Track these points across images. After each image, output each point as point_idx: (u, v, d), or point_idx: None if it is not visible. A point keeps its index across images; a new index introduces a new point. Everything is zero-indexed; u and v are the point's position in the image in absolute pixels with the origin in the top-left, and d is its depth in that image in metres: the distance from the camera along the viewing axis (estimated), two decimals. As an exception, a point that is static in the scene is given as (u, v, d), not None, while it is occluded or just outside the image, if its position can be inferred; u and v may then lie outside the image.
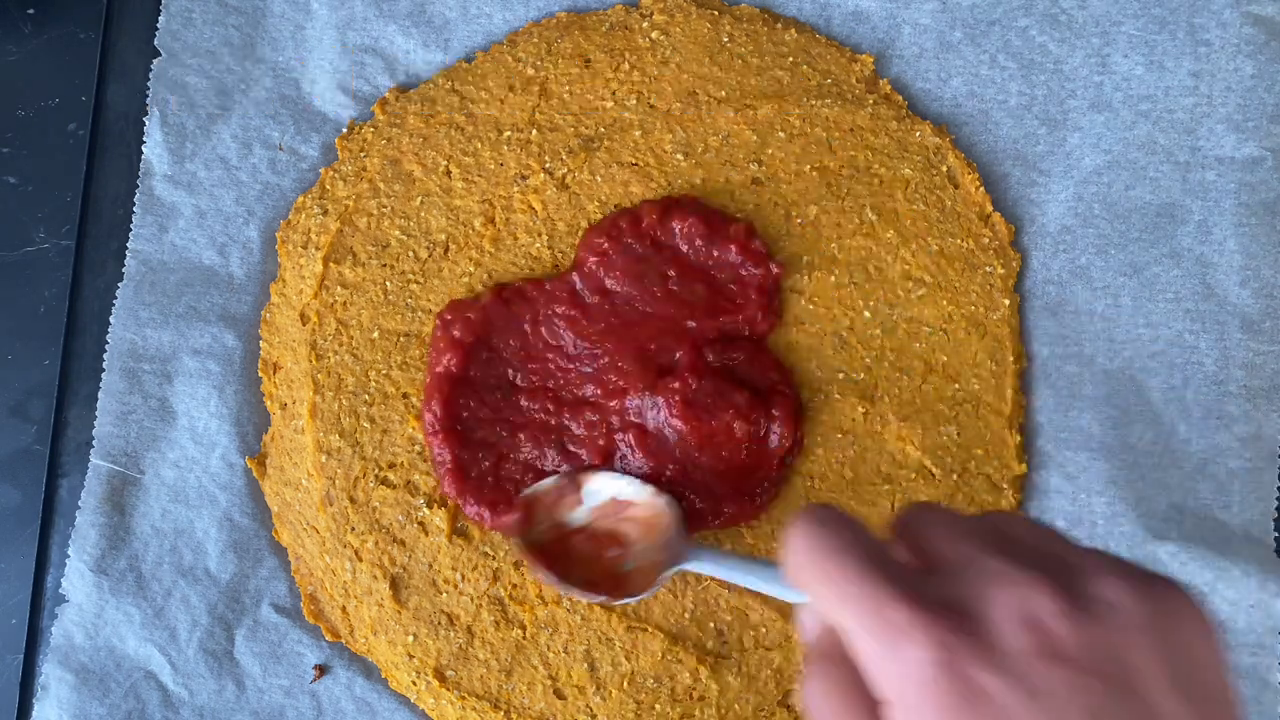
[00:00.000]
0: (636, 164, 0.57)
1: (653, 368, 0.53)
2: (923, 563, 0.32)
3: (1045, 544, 0.31)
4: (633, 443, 0.52)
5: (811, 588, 0.31)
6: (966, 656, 0.27)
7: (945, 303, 0.55)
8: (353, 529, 0.54)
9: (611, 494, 0.51)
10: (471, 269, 0.57)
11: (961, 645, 0.28)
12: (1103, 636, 0.28)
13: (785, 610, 0.52)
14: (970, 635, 0.28)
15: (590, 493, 0.51)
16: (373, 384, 0.56)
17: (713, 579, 0.52)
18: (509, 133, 0.59)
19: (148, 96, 0.60)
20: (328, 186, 0.59)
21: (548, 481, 0.52)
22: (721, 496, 0.52)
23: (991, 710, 0.27)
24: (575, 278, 0.55)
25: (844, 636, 0.30)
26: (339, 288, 0.57)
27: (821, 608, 0.31)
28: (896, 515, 0.34)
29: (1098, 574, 0.29)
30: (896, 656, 0.28)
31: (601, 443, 0.53)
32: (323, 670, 0.55)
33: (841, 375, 0.55)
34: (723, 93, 0.58)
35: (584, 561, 0.50)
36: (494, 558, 0.53)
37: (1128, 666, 0.28)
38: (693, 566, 0.48)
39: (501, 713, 0.53)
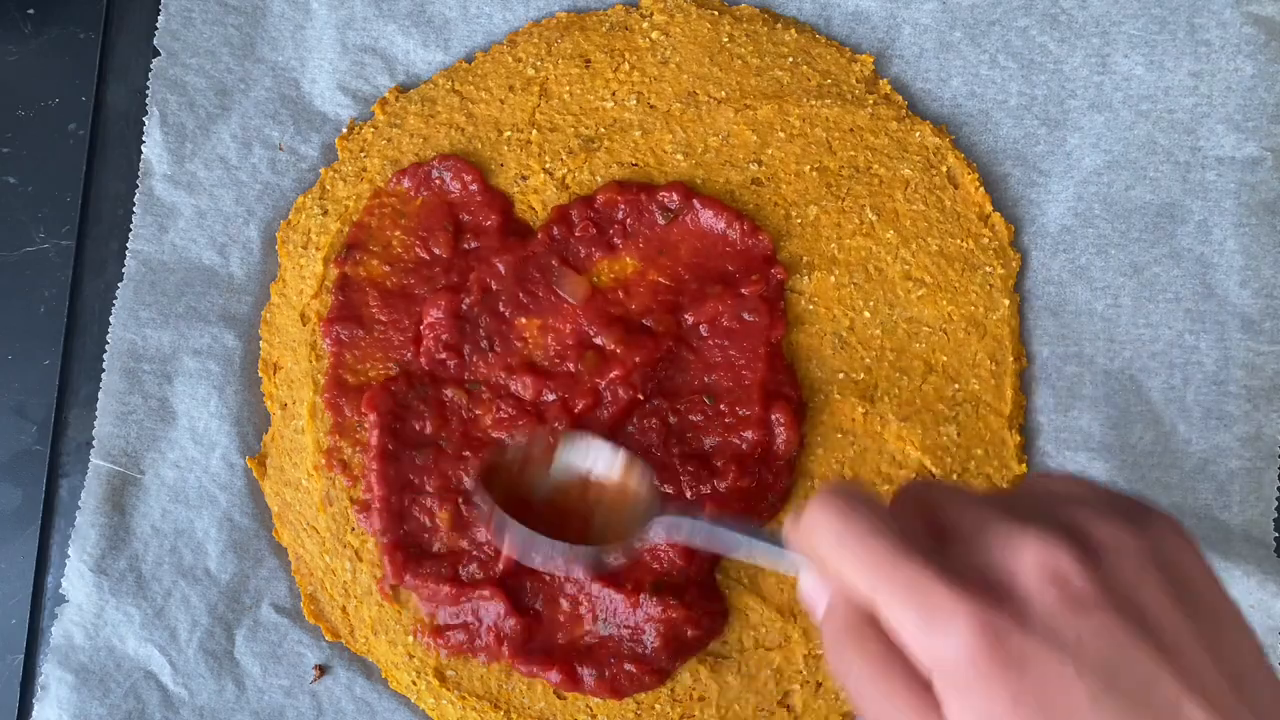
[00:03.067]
0: (636, 164, 0.57)
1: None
2: (935, 533, 0.33)
3: (1042, 499, 0.33)
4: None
5: (845, 566, 0.32)
6: (1004, 625, 0.29)
7: (945, 303, 0.55)
8: (352, 529, 0.54)
9: (581, 473, 0.48)
10: (471, 269, 0.57)
11: (998, 616, 0.29)
12: (1114, 578, 0.30)
13: (785, 610, 0.52)
14: (1004, 603, 0.30)
15: (561, 467, 0.49)
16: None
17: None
18: (509, 133, 0.59)
19: (148, 96, 0.60)
20: (328, 186, 0.59)
21: (518, 440, 0.49)
22: (732, 512, 0.52)
23: (1034, 670, 0.29)
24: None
25: (878, 611, 0.31)
26: (339, 288, 0.57)
27: (855, 584, 0.32)
28: (901, 490, 0.36)
29: (1096, 520, 0.32)
30: (939, 632, 0.30)
31: None
32: (323, 670, 0.55)
33: (841, 375, 0.55)
34: (723, 93, 0.58)
35: (545, 517, 0.48)
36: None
37: (1139, 599, 0.30)
38: (668, 535, 0.46)
39: (501, 713, 0.53)
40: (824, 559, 0.33)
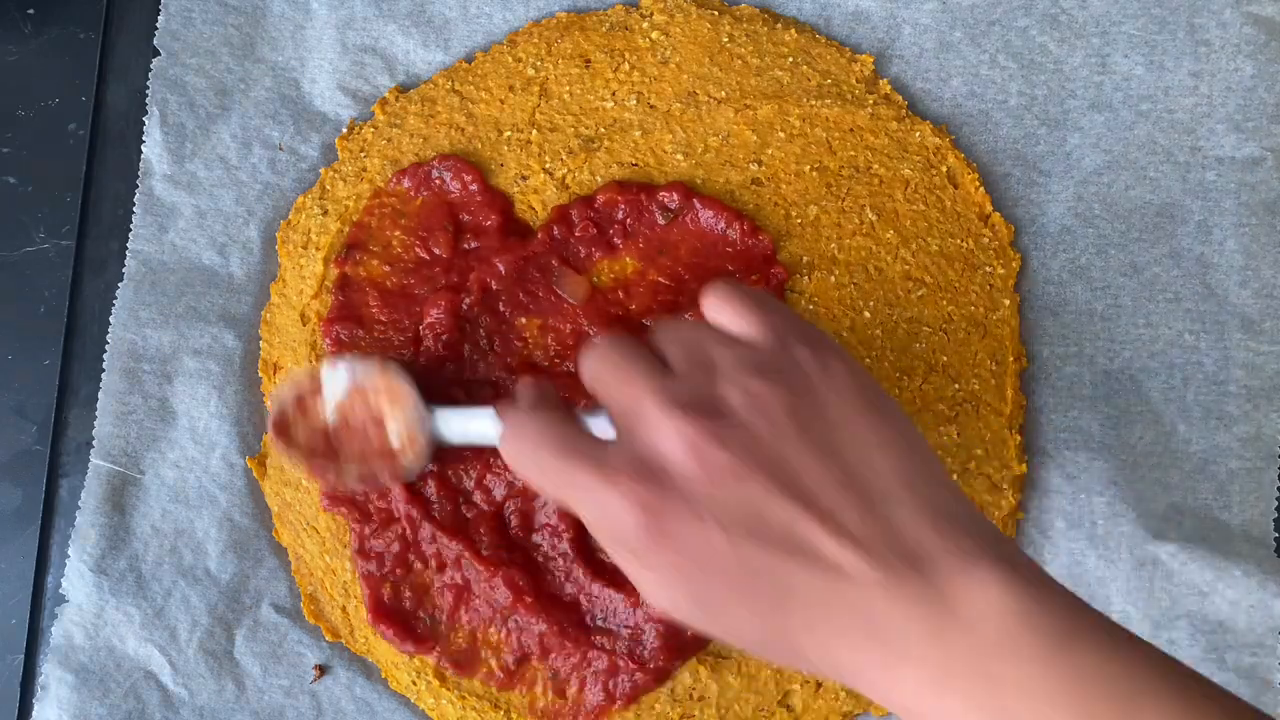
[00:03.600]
0: (636, 164, 0.58)
1: None
2: (612, 410, 0.39)
3: (695, 368, 0.37)
4: None
5: (530, 481, 0.39)
6: (655, 504, 0.34)
7: (945, 303, 0.55)
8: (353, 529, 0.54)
9: (347, 384, 0.51)
10: (471, 269, 0.57)
11: (649, 497, 0.35)
12: (747, 439, 0.35)
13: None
14: (653, 485, 0.35)
15: (330, 391, 0.51)
16: (373, 384, 0.56)
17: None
18: (509, 133, 0.59)
19: (148, 96, 0.60)
20: (328, 186, 0.59)
21: (284, 393, 0.51)
22: None
23: (684, 537, 0.34)
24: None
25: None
26: (339, 288, 0.57)
27: (545, 490, 0.39)
28: (585, 367, 0.40)
29: (734, 382, 0.36)
30: (612, 522, 0.35)
31: None
32: (323, 670, 0.55)
33: (841, 375, 0.55)
34: (723, 93, 0.58)
35: (357, 451, 0.51)
36: (494, 558, 0.53)
37: (767, 453, 0.35)
38: (442, 430, 0.49)
39: (501, 713, 0.53)
40: (515, 469, 0.40)
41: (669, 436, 0.35)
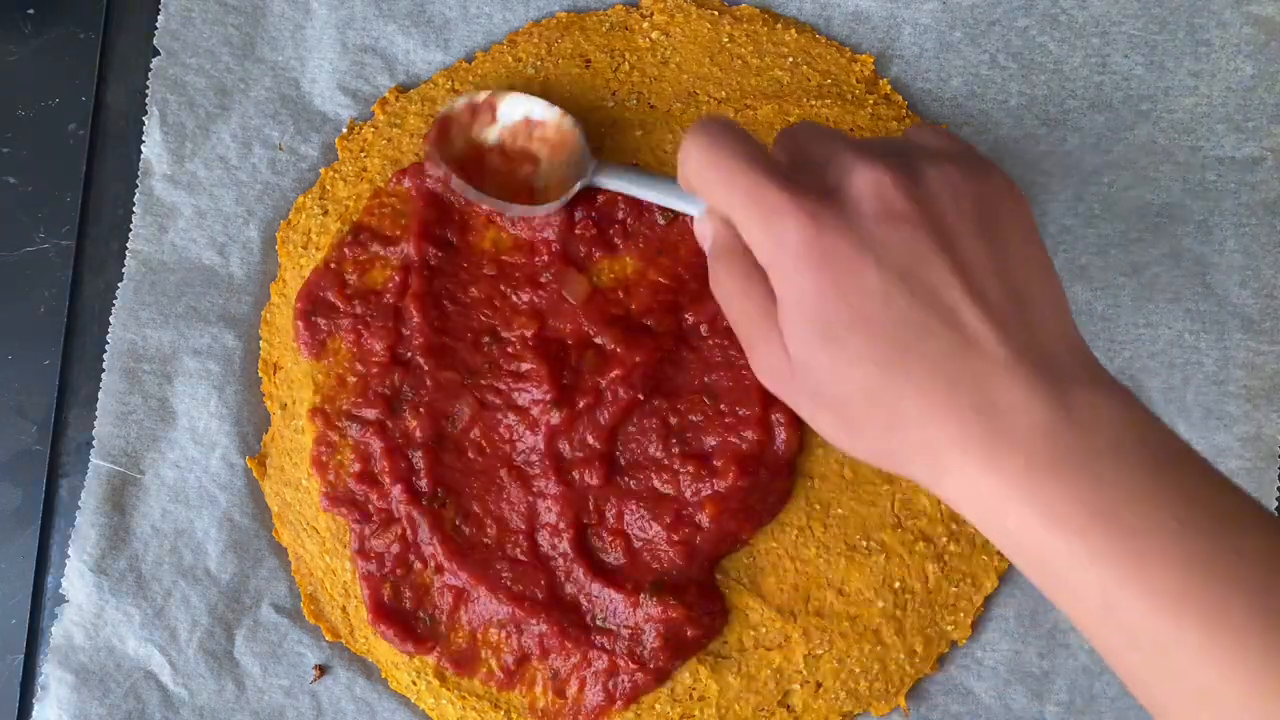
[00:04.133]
0: (636, 164, 0.57)
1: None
2: (797, 161, 0.39)
3: (899, 144, 0.39)
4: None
5: (705, 186, 0.38)
6: (824, 224, 0.35)
7: (945, 303, 0.55)
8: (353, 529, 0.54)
9: (524, 113, 0.54)
10: (471, 269, 0.57)
11: (821, 216, 0.35)
12: (929, 202, 0.36)
13: (785, 610, 0.52)
14: (828, 206, 0.35)
15: (504, 112, 0.54)
16: (373, 384, 0.56)
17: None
18: (509, 133, 0.59)
19: (148, 96, 0.60)
20: (328, 186, 0.59)
21: (460, 100, 0.55)
22: (732, 512, 0.52)
23: (841, 263, 0.35)
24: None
25: (736, 225, 0.38)
26: (339, 288, 0.57)
27: (714, 201, 0.38)
28: (780, 133, 0.41)
29: (934, 161, 0.37)
30: (773, 229, 0.36)
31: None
32: (323, 670, 0.55)
33: (841, 375, 0.55)
34: (723, 93, 0.58)
35: (498, 176, 0.54)
36: (494, 558, 0.53)
37: (945, 221, 0.36)
38: (600, 181, 0.52)
39: (501, 712, 0.53)
40: (693, 185, 0.39)
41: (861, 174, 0.36)
